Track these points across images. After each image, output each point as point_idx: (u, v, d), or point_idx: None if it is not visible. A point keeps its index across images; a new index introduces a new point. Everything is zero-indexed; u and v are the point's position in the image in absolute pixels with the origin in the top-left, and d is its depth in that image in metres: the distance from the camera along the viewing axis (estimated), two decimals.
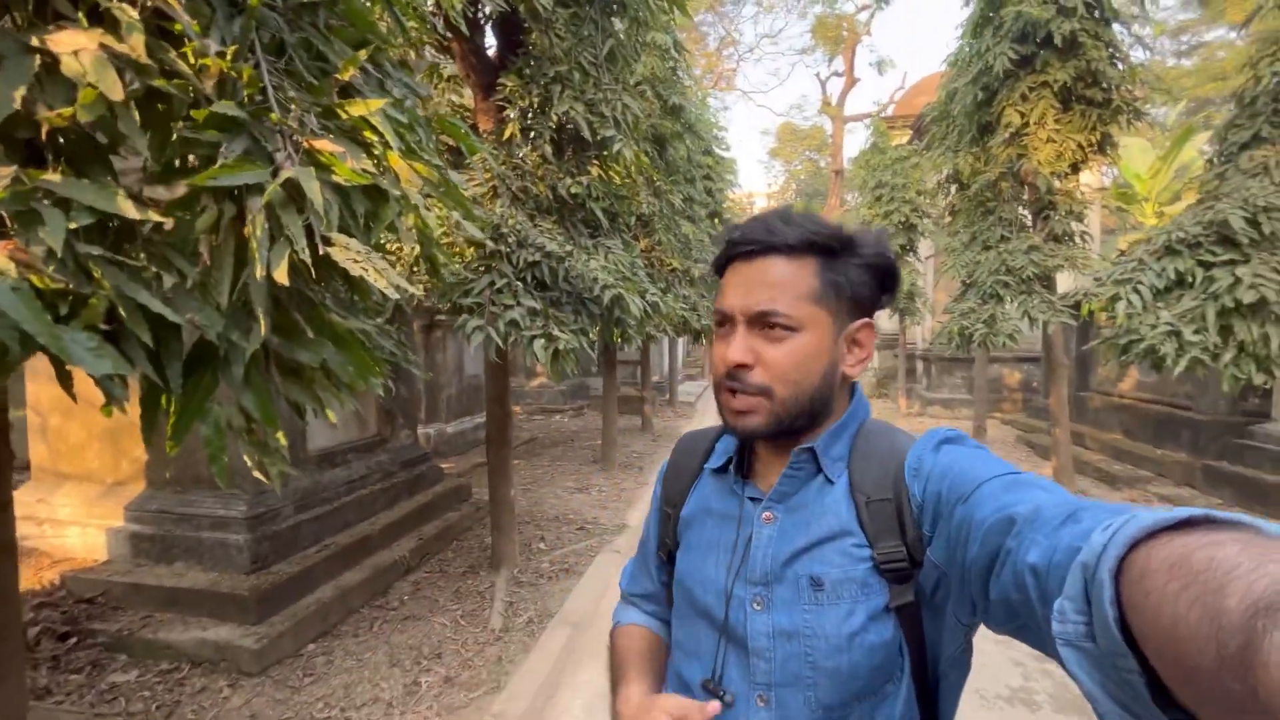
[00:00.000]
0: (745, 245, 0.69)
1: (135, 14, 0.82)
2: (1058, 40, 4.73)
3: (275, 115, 0.96)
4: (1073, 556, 0.41)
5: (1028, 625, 0.48)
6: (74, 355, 0.74)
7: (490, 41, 3.56)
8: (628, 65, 3.59)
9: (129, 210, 0.79)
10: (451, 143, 2.94)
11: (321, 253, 0.91)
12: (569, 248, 3.09)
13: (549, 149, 3.24)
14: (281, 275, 0.87)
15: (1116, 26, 4.95)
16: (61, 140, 0.85)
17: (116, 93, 0.78)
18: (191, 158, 0.98)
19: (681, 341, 14.55)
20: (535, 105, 3.22)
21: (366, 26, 1.28)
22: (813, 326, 0.67)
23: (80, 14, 0.84)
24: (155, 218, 0.80)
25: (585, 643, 3.02)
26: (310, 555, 3.24)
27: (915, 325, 12.11)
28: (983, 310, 5.31)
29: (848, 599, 0.65)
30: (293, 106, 1.00)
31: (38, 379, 3.40)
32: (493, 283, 2.81)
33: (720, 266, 0.72)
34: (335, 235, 0.93)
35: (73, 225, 0.77)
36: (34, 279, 0.73)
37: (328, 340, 1.09)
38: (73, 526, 3.25)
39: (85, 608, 2.89)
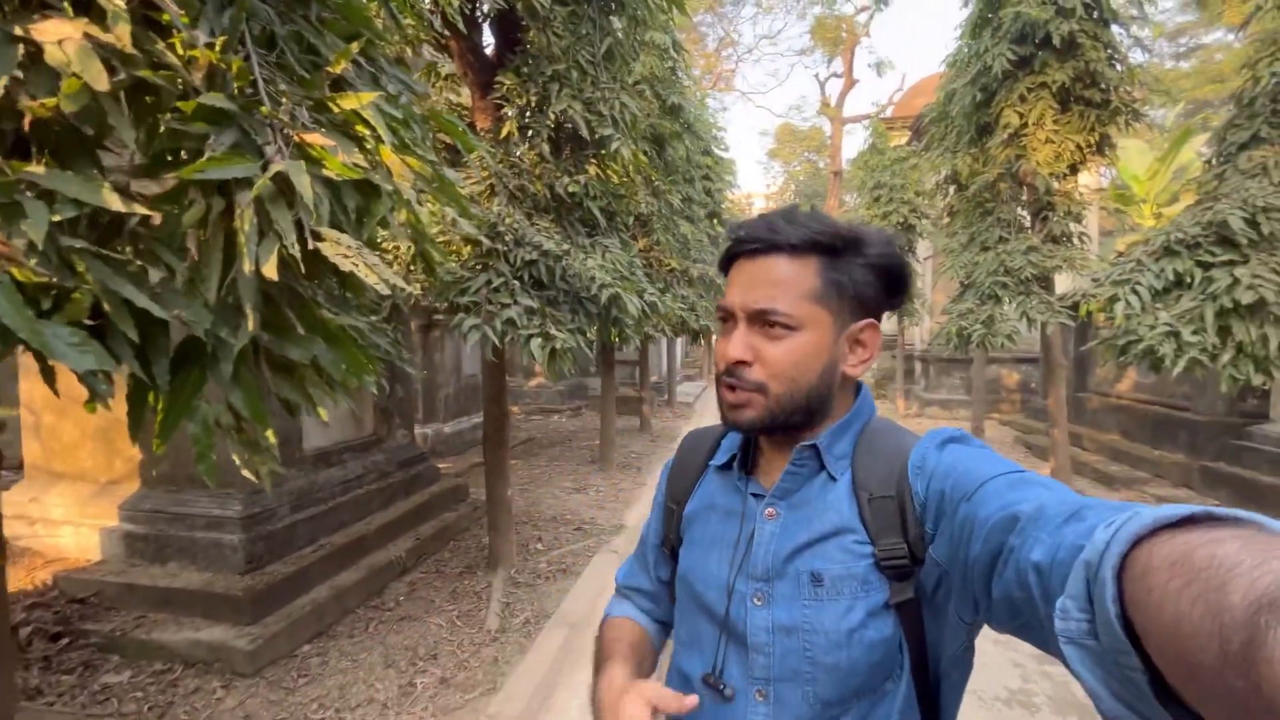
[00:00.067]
0: (749, 243, 0.69)
1: (121, 3, 0.80)
2: (1056, 41, 4.73)
3: (265, 108, 0.95)
4: (1075, 554, 0.41)
5: (1030, 623, 0.48)
6: (56, 351, 0.72)
7: (488, 39, 3.54)
8: (626, 64, 3.58)
9: (114, 203, 0.78)
10: (449, 141, 2.92)
11: (311, 248, 0.89)
12: (566, 247, 3.08)
13: (547, 147, 3.22)
14: (270, 270, 0.86)
15: (1115, 28, 4.95)
16: (46, 131, 0.83)
17: (101, 83, 0.77)
18: (183, 152, 0.96)
19: (680, 341, 14.54)
20: (533, 104, 3.21)
21: (360, 21, 1.27)
22: (812, 326, 0.67)
23: (65, 3, 0.83)
24: (141, 211, 0.79)
25: (582, 643, 3.00)
26: (305, 555, 3.22)
27: (913, 326, 12.12)
28: (981, 311, 5.30)
29: (847, 595, 0.65)
30: (283, 99, 0.99)
31: (30, 377, 3.37)
32: (489, 281, 2.79)
33: (725, 264, 0.73)
34: (326, 230, 0.91)
35: (56, 218, 0.75)
36: (15, 272, 0.72)
37: (319, 337, 1.08)
38: (66, 526, 3.22)
39: (78, 608, 2.87)
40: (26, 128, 0.78)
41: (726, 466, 0.79)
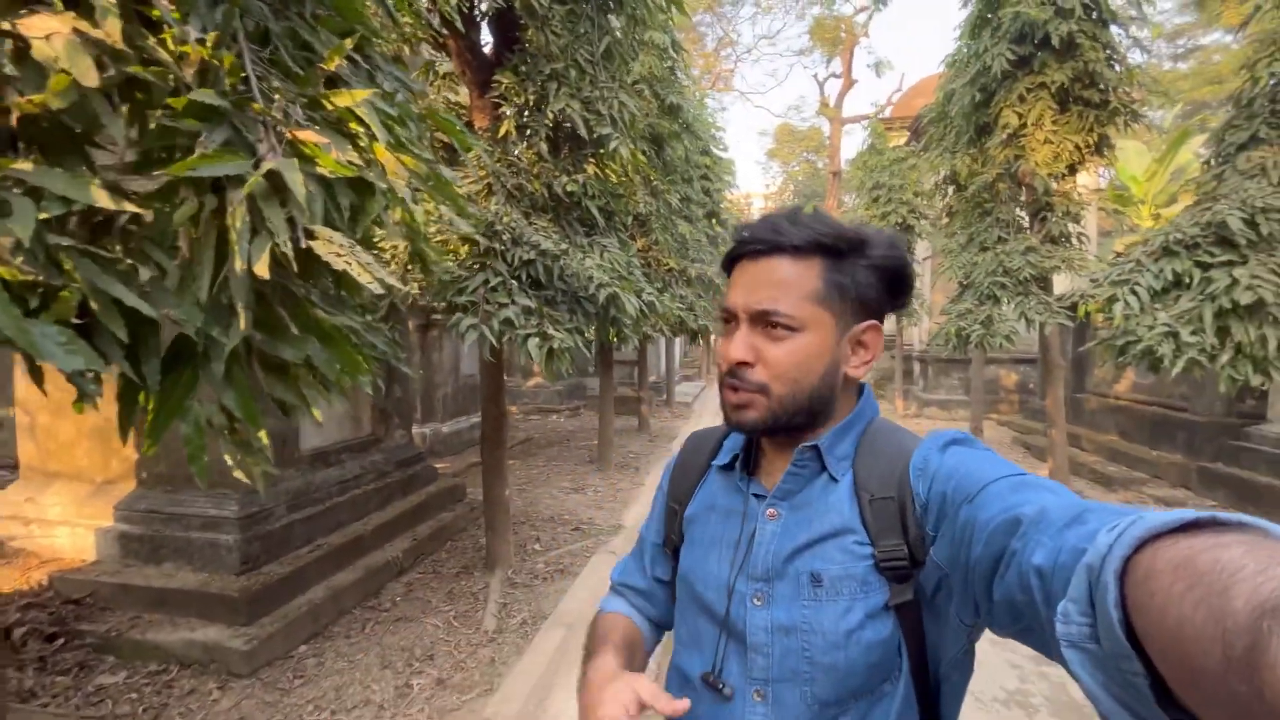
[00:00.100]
0: (752, 244, 0.69)
1: None
2: (1055, 41, 4.73)
3: (258, 105, 0.94)
4: (1078, 558, 0.40)
5: (1032, 627, 0.48)
6: (43, 350, 0.71)
7: (486, 38, 3.53)
8: (625, 63, 3.57)
9: (103, 200, 0.76)
10: (447, 140, 2.91)
11: (304, 246, 0.88)
12: (564, 246, 3.07)
13: (545, 146, 3.21)
14: (262, 269, 0.85)
15: (1114, 28, 4.95)
16: (35, 128, 0.82)
17: (90, 79, 0.76)
18: (176, 149, 0.95)
19: (679, 341, 14.53)
20: (531, 102, 3.20)
21: (355, 17, 1.26)
22: (814, 327, 0.67)
23: None
24: (130, 208, 0.78)
25: (580, 644, 2.99)
26: (302, 555, 3.21)
27: (912, 326, 12.12)
28: (980, 311, 5.30)
29: (846, 596, 0.65)
30: (277, 96, 0.98)
31: (26, 376, 3.36)
32: (487, 281, 2.78)
33: (728, 265, 0.73)
34: (319, 228, 0.90)
35: (44, 215, 0.74)
36: (2, 271, 0.71)
37: (313, 337, 1.07)
38: (61, 526, 3.21)
39: (73, 608, 2.86)
40: (14, 124, 0.77)
41: (729, 467, 0.79)
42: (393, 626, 3.11)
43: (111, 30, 0.78)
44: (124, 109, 0.95)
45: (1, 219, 0.71)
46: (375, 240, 2.35)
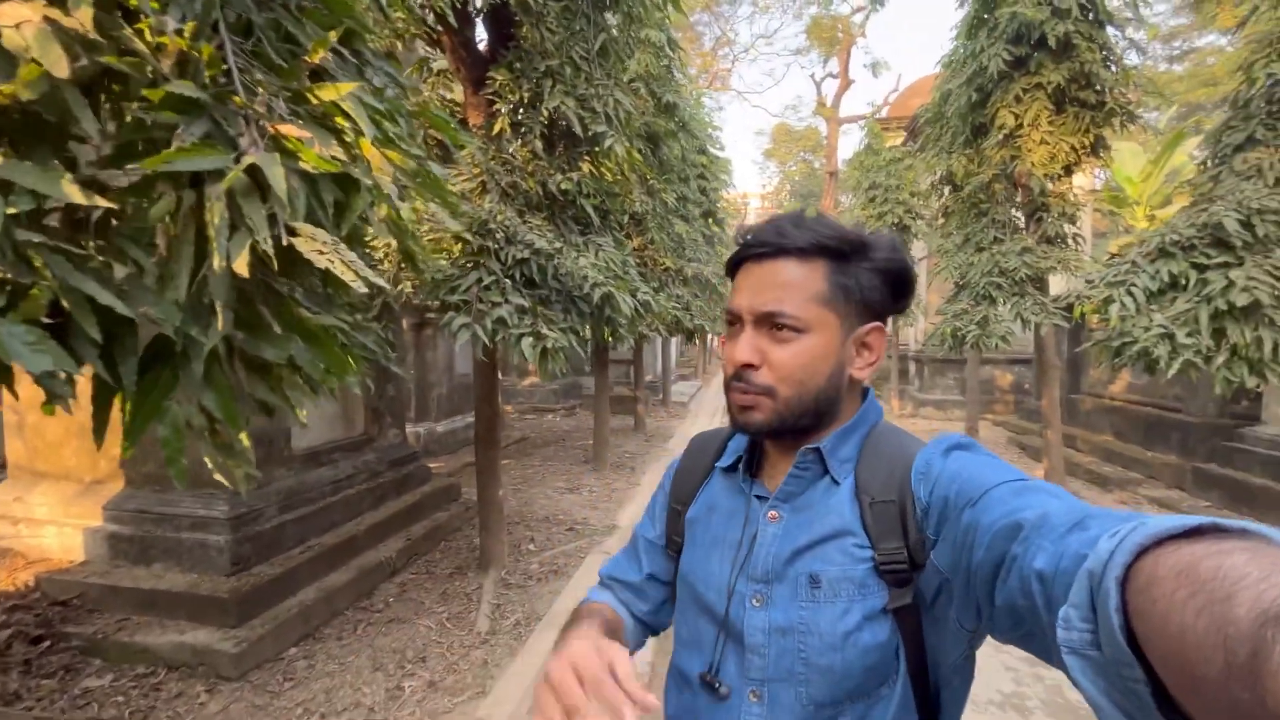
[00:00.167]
0: (756, 247, 0.70)
1: None
2: (1052, 42, 4.72)
3: (240, 98, 0.91)
4: (1079, 563, 0.40)
5: (1033, 632, 0.48)
6: (10, 350, 0.68)
7: (481, 35, 3.50)
8: (620, 61, 3.55)
9: (74, 195, 0.74)
10: (441, 137, 2.88)
11: (285, 243, 0.86)
12: (559, 245, 3.05)
13: (539, 144, 3.19)
14: (241, 267, 0.82)
15: (1110, 29, 4.94)
16: (4, 120, 0.79)
17: (61, 69, 0.73)
18: (154, 143, 0.92)
19: (675, 341, 14.51)
20: (526, 100, 3.17)
21: (343, 10, 1.23)
22: (820, 328, 0.68)
23: None
24: (101, 203, 0.75)
25: None
26: (294, 556, 3.18)
27: (908, 327, 12.13)
28: (975, 312, 5.29)
29: (844, 598, 0.66)
30: (259, 90, 0.95)
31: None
32: (480, 280, 2.75)
33: (732, 267, 0.74)
34: (300, 225, 0.88)
35: (12, 210, 0.72)
36: None
37: (297, 336, 1.04)
38: (49, 526, 3.17)
39: (60, 610, 2.82)
40: None
41: (732, 468, 0.80)
42: (385, 628, 3.08)
43: (84, 19, 0.76)
44: (99, 101, 0.92)
45: None
46: (367, 239, 2.33)
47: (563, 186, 3.22)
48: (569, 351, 2.85)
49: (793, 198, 32.26)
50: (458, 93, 3.97)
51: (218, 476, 0.98)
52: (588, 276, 3.01)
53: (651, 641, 2.72)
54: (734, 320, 0.71)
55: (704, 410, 12.04)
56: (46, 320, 0.75)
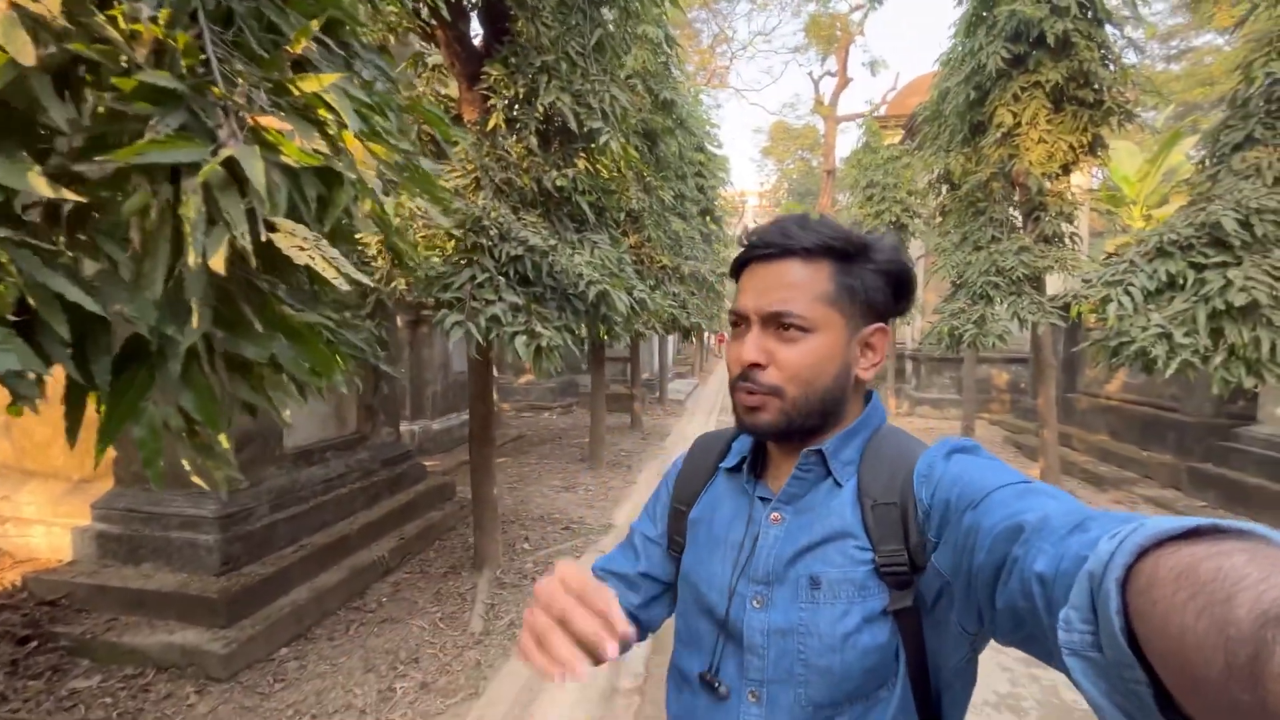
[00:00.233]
0: (762, 248, 0.70)
1: None
2: (1050, 40, 4.70)
3: (218, 89, 0.88)
4: (1080, 565, 0.41)
5: (1034, 634, 0.47)
6: None
7: (476, 29, 3.46)
8: (617, 57, 3.51)
9: (41, 188, 0.71)
10: (435, 133, 2.84)
11: (264, 239, 0.83)
12: (553, 242, 3.02)
13: (534, 140, 3.15)
14: (218, 263, 0.79)
15: (1109, 28, 4.92)
16: None
17: (27, 57, 0.70)
18: (127, 135, 0.89)
19: (672, 339, 14.49)
20: (521, 95, 3.14)
21: (330, 1, 1.20)
22: (826, 328, 0.68)
23: None
24: (70, 197, 0.72)
25: None
26: (285, 556, 3.15)
27: (905, 325, 12.12)
28: (972, 311, 5.28)
29: (844, 599, 0.66)
30: (239, 80, 0.92)
31: None
32: (473, 277, 2.72)
33: (737, 269, 0.74)
34: (280, 221, 0.85)
35: None
36: None
37: (280, 334, 1.01)
38: (37, 525, 3.13)
39: (47, 610, 2.79)
40: None
41: (736, 469, 0.80)
42: (377, 628, 3.05)
43: (52, 5, 0.73)
44: (78, 91, 0.89)
45: None
46: (358, 235, 2.30)
47: (558, 183, 3.19)
48: (564, 350, 2.82)
49: (790, 196, 32.25)
50: (453, 88, 3.94)
51: (196, 479, 0.95)
52: (583, 274, 2.98)
53: (651, 641, 2.70)
54: (739, 321, 0.71)
55: (701, 408, 12.02)
56: (13, 318, 0.72)
